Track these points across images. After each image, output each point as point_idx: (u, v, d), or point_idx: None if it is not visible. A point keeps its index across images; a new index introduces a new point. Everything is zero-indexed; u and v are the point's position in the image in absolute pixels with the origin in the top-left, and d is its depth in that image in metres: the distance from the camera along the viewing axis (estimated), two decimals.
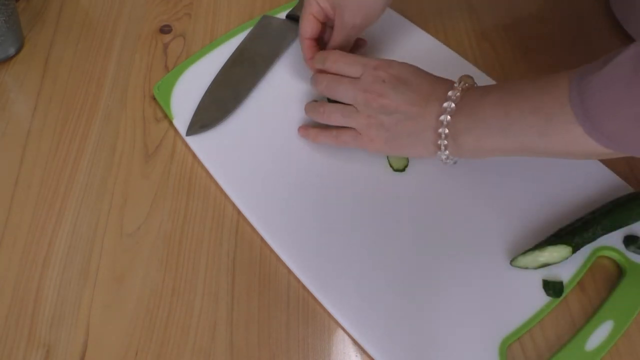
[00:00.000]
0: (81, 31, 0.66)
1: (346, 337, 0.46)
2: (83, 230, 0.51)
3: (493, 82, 0.59)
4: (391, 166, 0.53)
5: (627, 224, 0.49)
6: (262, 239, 0.50)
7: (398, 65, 0.50)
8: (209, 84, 0.59)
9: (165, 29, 0.66)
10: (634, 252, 0.49)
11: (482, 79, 0.60)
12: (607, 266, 0.49)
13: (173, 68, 0.62)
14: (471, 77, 0.48)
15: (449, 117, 0.46)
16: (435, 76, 0.50)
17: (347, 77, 0.51)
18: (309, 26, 0.55)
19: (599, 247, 0.49)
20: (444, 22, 0.66)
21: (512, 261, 0.48)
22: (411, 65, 0.50)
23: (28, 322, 0.46)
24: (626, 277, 0.47)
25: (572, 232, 0.48)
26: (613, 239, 0.49)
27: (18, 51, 0.63)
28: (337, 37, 0.55)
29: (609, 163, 0.54)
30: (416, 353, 0.44)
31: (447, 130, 0.46)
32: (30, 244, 0.50)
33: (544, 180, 0.53)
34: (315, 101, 0.55)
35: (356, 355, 0.45)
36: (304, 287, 0.48)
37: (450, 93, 0.46)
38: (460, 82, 0.47)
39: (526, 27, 0.66)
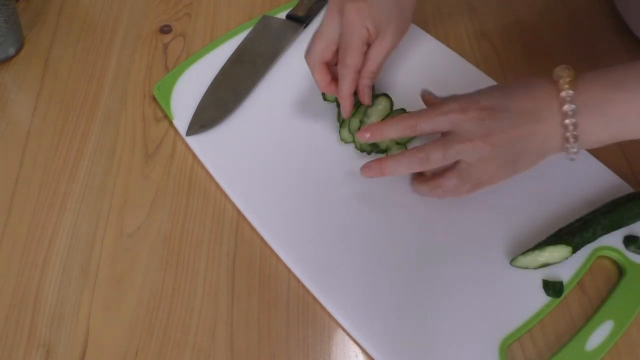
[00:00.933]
0: (81, 31, 0.66)
1: (346, 337, 0.46)
2: (83, 230, 0.51)
3: (493, 82, 0.59)
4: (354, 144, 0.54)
5: (627, 224, 0.49)
6: (262, 239, 0.50)
7: (480, 94, 0.45)
8: (209, 84, 0.59)
9: (165, 29, 0.66)
10: (634, 252, 0.48)
11: (482, 79, 0.60)
12: (607, 266, 0.49)
13: (173, 68, 0.62)
14: (567, 67, 0.43)
15: (574, 120, 0.42)
16: (523, 83, 0.45)
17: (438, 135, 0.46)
18: (358, 57, 0.50)
19: (599, 247, 0.49)
20: (444, 22, 0.66)
21: (512, 261, 0.48)
22: (491, 87, 0.46)
23: (28, 322, 0.46)
24: (626, 277, 0.47)
25: (572, 232, 0.48)
26: (613, 239, 0.49)
27: (18, 51, 0.64)
28: (377, 61, 0.51)
29: (609, 163, 0.54)
30: (416, 353, 0.44)
31: (575, 133, 0.42)
32: (30, 244, 0.50)
33: (544, 180, 0.53)
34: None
35: (356, 355, 0.45)
36: (304, 287, 0.48)
37: (563, 94, 0.42)
38: (562, 77, 0.43)
39: (526, 27, 0.66)
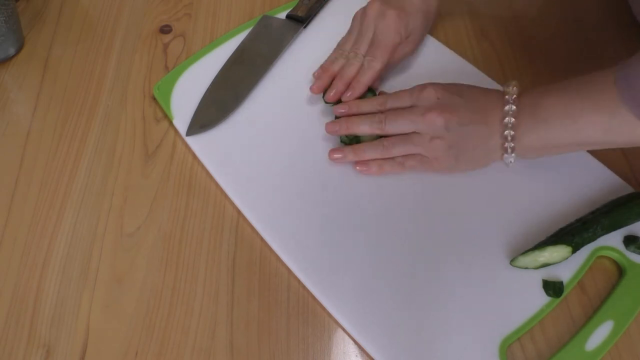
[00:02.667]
0: (81, 31, 0.66)
1: (346, 337, 0.46)
2: (83, 230, 0.51)
3: (493, 82, 0.59)
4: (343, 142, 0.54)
5: (627, 224, 0.49)
6: (262, 239, 0.50)
7: (443, 83, 0.51)
8: (209, 84, 0.59)
9: (165, 29, 0.66)
10: (634, 252, 0.48)
11: (482, 79, 0.60)
12: (607, 266, 0.49)
13: (173, 68, 0.62)
14: (515, 81, 0.49)
15: (512, 119, 0.47)
16: (481, 87, 0.51)
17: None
18: (386, 57, 0.56)
19: (599, 247, 0.49)
20: (444, 22, 0.66)
21: (512, 261, 0.48)
22: (455, 82, 0.52)
23: (28, 322, 0.46)
24: (626, 277, 0.47)
25: (572, 232, 0.48)
26: (613, 239, 0.49)
27: (18, 51, 0.64)
28: (396, 63, 0.58)
29: (609, 163, 0.54)
30: (416, 353, 0.44)
31: (512, 132, 0.47)
32: (30, 244, 0.50)
33: (544, 180, 0.53)
34: (345, 143, 0.54)
35: (356, 355, 0.45)
36: (304, 287, 0.48)
37: (507, 97, 0.48)
38: (510, 87, 0.48)
39: (526, 27, 0.66)
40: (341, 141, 0.54)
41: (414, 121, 0.50)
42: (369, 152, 0.52)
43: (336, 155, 0.53)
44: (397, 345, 0.45)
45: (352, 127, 0.52)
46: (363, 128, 0.52)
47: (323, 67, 0.57)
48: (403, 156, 0.52)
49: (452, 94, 0.50)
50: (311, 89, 0.56)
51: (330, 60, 0.58)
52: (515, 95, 0.48)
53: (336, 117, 0.55)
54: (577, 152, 0.54)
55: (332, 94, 0.55)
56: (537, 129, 0.47)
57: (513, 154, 0.48)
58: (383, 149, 0.51)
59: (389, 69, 0.58)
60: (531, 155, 0.49)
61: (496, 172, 0.53)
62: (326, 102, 0.56)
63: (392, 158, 0.52)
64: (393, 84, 0.59)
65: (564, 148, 0.48)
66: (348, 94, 0.54)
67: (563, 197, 0.52)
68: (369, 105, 0.53)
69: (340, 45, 0.59)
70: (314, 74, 0.57)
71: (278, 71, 0.61)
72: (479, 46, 0.64)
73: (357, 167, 0.53)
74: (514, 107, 0.47)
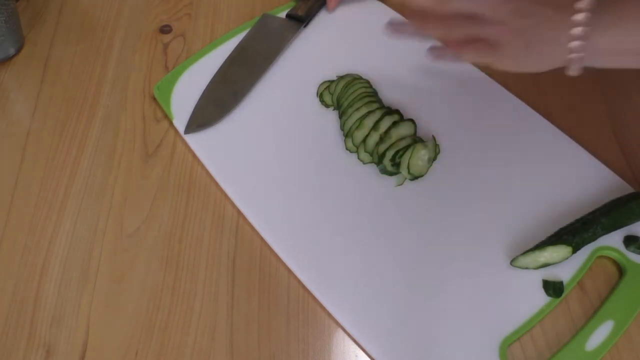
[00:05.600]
0: (81, 31, 0.66)
1: (346, 336, 0.46)
2: (83, 231, 0.51)
3: (493, 82, 0.59)
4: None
5: (627, 224, 0.49)
6: (262, 239, 0.50)
7: None
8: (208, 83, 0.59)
9: (165, 29, 0.66)
10: (634, 252, 0.48)
11: (482, 79, 0.60)
12: (607, 266, 0.49)
13: (173, 68, 0.62)
14: None
15: (588, 14, 0.42)
16: None
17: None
18: None
19: (599, 247, 0.49)
20: None
21: (512, 261, 0.48)
22: None
23: (28, 322, 0.46)
24: (626, 277, 0.47)
25: (572, 232, 0.48)
26: (613, 239, 0.49)
27: (18, 51, 0.63)
28: None
29: (609, 163, 0.54)
30: (416, 353, 0.44)
31: (585, 29, 0.42)
32: (30, 244, 0.50)
33: (544, 181, 0.53)
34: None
35: (356, 355, 0.45)
36: (304, 287, 0.48)
37: None
38: None
39: None
40: (363, 162, 0.54)
41: (484, 4, 0.44)
42: (430, 27, 0.47)
43: (393, 29, 0.50)
44: (397, 345, 0.45)
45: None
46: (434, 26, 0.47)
47: None
48: (467, 43, 0.46)
49: None
50: None
51: None
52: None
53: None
54: (577, 151, 0.54)
55: None
56: (612, 27, 0.41)
57: (582, 54, 0.43)
58: (450, 21, 0.46)
59: None
60: (599, 61, 0.43)
61: (496, 172, 0.53)
62: (322, 103, 0.55)
63: (458, 45, 0.47)
64: (391, 85, 0.59)
65: (632, 56, 0.42)
66: None
67: (563, 197, 0.52)
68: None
69: None
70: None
71: (278, 70, 0.61)
72: None
73: (431, 56, 0.49)
74: (588, 1, 0.41)
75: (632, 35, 0.41)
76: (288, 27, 0.64)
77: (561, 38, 0.43)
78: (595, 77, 0.62)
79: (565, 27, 0.43)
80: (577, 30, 0.42)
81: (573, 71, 0.44)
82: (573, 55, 0.43)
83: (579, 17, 0.42)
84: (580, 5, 0.42)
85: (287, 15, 0.65)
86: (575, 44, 0.42)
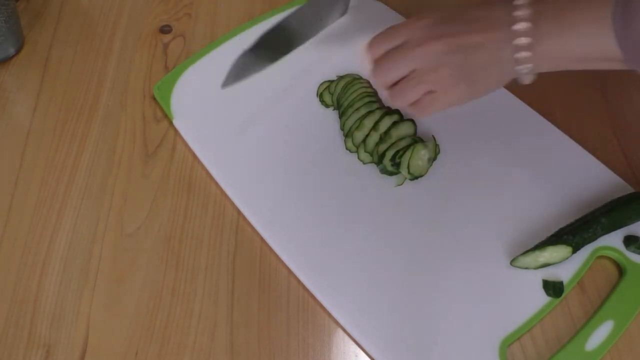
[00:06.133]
0: (81, 31, 0.66)
1: (346, 337, 0.46)
2: (83, 230, 0.51)
3: None
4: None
5: (627, 224, 0.49)
6: (262, 239, 0.50)
7: (434, 9, 0.46)
8: (209, 84, 0.59)
9: (165, 29, 0.66)
10: (634, 252, 0.48)
11: None
12: (607, 266, 0.49)
13: (173, 68, 0.62)
14: None
15: (527, 24, 0.41)
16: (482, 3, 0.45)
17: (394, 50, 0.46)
18: None
19: (599, 247, 0.49)
20: None
21: (512, 261, 0.48)
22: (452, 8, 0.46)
23: (28, 322, 0.46)
24: (626, 277, 0.47)
25: (572, 232, 0.48)
26: (613, 239, 0.49)
27: (18, 51, 0.63)
28: None
29: (609, 163, 0.54)
30: (416, 353, 0.44)
31: (527, 40, 0.41)
32: (30, 244, 0.50)
33: (544, 180, 0.53)
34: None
35: (356, 355, 0.45)
36: (304, 287, 0.48)
37: (517, 1, 0.42)
38: None
39: None
40: (363, 162, 0.54)
41: (412, 58, 0.45)
42: (394, 100, 0.47)
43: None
44: (397, 345, 0.45)
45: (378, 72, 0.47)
46: (380, 74, 0.47)
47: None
48: (418, 103, 0.46)
49: (448, 19, 0.44)
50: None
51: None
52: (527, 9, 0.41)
53: None
54: (577, 151, 0.54)
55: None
56: (561, 34, 0.40)
57: (529, 65, 0.42)
58: (396, 93, 0.46)
59: None
60: (547, 66, 0.42)
61: (496, 172, 0.53)
62: (322, 104, 0.55)
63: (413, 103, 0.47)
64: None
65: (580, 62, 0.41)
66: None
67: (563, 197, 0.52)
68: (380, 39, 0.47)
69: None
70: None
71: (278, 70, 0.61)
72: None
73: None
74: (528, 11, 0.41)
75: (577, 39, 0.40)
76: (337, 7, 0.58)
77: (503, 53, 0.43)
78: (595, 77, 0.61)
79: (505, 40, 0.42)
80: (521, 41, 0.41)
81: (526, 80, 0.44)
82: (521, 67, 0.42)
83: (521, 26, 0.41)
84: (519, 13, 0.41)
85: None
86: (521, 54, 0.42)
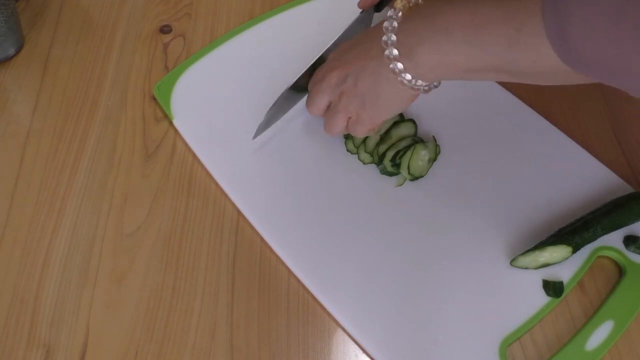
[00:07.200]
0: (81, 31, 0.66)
1: (346, 336, 0.46)
2: (83, 230, 0.51)
3: (493, 82, 0.59)
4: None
5: (627, 224, 0.49)
6: (262, 239, 0.50)
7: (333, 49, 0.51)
8: (209, 84, 0.59)
9: (165, 29, 0.66)
10: (634, 252, 0.49)
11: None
12: (607, 266, 0.49)
13: (173, 68, 0.62)
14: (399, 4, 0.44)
15: (392, 35, 0.42)
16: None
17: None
18: None
19: (599, 247, 0.49)
20: None
21: (512, 261, 0.48)
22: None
23: (28, 322, 0.46)
24: (626, 277, 0.47)
25: (572, 232, 0.48)
26: (613, 239, 0.49)
27: (18, 51, 0.63)
28: None
29: (609, 163, 0.54)
30: (416, 353, 0.44)
31: (395, 51, 0.42)
32: (30, 244, 0.50)
33: (544, 180, 0.53)
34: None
35: (356, 355, 0.45)
36: (304, 287, 0.48)
37: (390, 14, 0.43)
38: (394, 7, 0.43)
39: None
40: (364, 163, 0.54)
41: (322, 90, 0.49)
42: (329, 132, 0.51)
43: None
44: (397, 345, 0.45)
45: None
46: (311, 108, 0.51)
47: None
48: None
49: (339, 54, 0.48)
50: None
51: None
52: (400, 12, 0.42)
53: None
54: (577, 151, 0.54)
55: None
56: (432, 38, 0.40)
57: (407, 74, 0.42)
58: (326, 130, 0.51)
59: None
60: (429, 75, 0.43)
61: (496, 172, 0.53)
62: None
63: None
64: None
65: (465, 68, 0.41)
66: None
67: (563, 197, 0.52)
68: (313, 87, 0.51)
69: None
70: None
71: (278, 70, 0.61)
72: None
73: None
74: (395, 24, 0.42)
75: (451, 45, 0.40)
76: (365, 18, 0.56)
77: (382, 70, 0.44)
78: None
79: (378, 56, 0.44)
80: (391, 52, 0.42)
81: (426, 92, 0.45)
82: (403, 79, 0.43)
83: (387, 37, 0.43)
84: (387, 25, 0.43)
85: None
86: (396, 65, 0.43)
